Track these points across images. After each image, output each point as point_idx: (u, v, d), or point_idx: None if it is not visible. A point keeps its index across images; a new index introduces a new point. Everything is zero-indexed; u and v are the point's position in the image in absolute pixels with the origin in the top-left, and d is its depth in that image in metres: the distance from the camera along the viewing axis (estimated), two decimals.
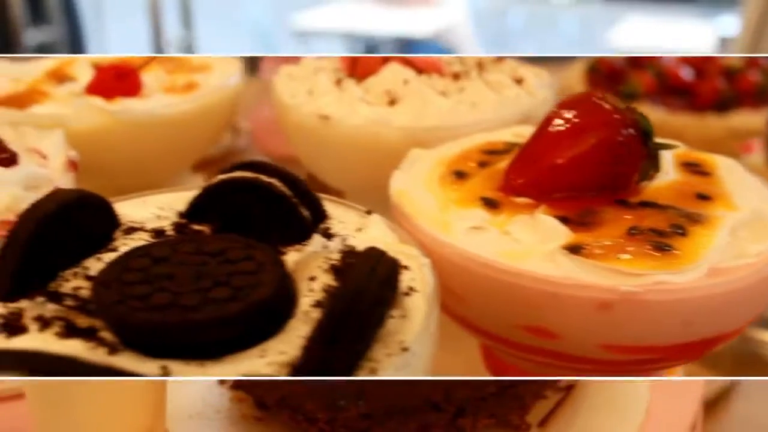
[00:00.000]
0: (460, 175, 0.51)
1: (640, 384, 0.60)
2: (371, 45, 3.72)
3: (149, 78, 0.67)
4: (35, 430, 0.52)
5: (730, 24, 2.91)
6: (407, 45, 3.67)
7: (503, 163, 0.52)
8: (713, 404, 0.74)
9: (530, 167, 0.49)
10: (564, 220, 0.46)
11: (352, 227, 0.48)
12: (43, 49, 2.89)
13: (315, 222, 0.48)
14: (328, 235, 0.47)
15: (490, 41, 4.07)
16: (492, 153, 0.54)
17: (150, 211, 0.51)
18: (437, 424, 0.51)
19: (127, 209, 0.51)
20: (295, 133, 0.64)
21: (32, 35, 2.83)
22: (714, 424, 0.73)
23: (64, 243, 0.45)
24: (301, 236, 0.47)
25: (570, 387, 0.59)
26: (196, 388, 0.61)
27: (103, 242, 0.48)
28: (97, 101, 0.64)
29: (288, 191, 0.47)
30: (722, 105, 1.03)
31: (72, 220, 0.46)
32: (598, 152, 0.48)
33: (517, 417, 0.54)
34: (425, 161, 0.54)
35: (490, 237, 0.46)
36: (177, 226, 0.49)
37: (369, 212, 0.49)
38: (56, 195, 0.46)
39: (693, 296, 0.43)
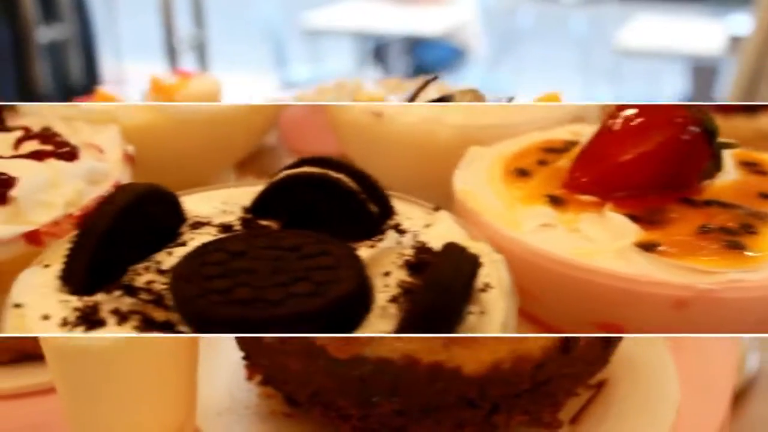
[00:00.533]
0: (522, 173, 0.51)
1: (671, 383, 0.60)
2: (381, 44, 3.73)
3: None
4: (67, 426, 0.52)
5: (741, 23, 2.91)
6: (417, 44, 3.68)
7: (564, 161, 0.52)
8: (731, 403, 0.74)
9: (595, 165, 0.49)
10: (633, 218, 0.46)
11: (421, 223, 0.48)
12: (55, 46, 2.89)
13: (382, 218, 0.48)
14: (399, 231, 0.47)
15: (499, 40, 4.07)
16: (551, 151, 0.54)
17: (214, 206, 0.51)
18: (472, 420, 0.51)
19: (191, 204, 0.51)
20: (346, 130, 0.64)
21: (44, 33, 2.81)
22: (732, 423, 0.73)
23: (135, 237, 0.45)
24: (369, 232, 0.47)
25: (601, 384, 0.59)
26: (225, 384, 0.61)
27: (171, 236, 0.48)
28: None
29: (356, 187, 0.47)
30: (751, 106, 1.03)
31: (143, 214, 0.46)
32: (663, 150, 0.48)
33: (550, 414, 0.54)
34: (484, 159, 0.54)
35: (559, 234, 0.46)
36: (244, 221, 0.49)
37: (436, 209, 0.49)
38: (128, 189, 0.46)
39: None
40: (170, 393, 0.52)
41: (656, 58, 3.40)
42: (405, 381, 0.49)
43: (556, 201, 0.48)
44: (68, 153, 0.51)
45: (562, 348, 0.50)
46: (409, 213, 0.49)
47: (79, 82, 2.97)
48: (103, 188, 0.51)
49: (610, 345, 0.55)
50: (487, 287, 0.42)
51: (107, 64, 3.27)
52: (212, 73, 1.61)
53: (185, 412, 0.53)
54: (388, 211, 0.49)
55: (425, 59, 3.68)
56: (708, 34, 3.21)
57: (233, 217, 0.50)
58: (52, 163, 0.49)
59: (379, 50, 3.79)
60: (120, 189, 0.46)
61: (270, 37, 3.78)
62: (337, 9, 3.74)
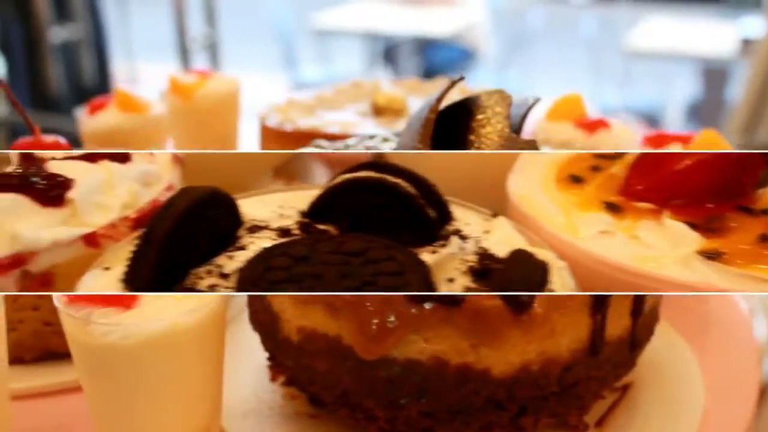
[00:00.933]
0: (576, 180, 0.52)
1: (696, 385, 0.60)
2: (391, 45, 3.73)
3: None
4: (93, 426, 0.53)
5: (753, 25, 2.90)
6: (426, 44, 3.68)
7: (616, 168, 0.52)
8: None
9: (651, 173, 0.49)
10: (692, 225, 0.46)
11: (480, 229, 0.48)
12: (67, 47, 2.92)
13: (441, 223, 0.48)
14: (461, 237, 0.47)
15: (509, 41, 4.07)
16: (603, 157, 0.54)
17: (271, 210, 0.51)
18: (499, 422, 0.51)
19: (247, 207, 0.51)
20: None
21: (57, 33, 2.85)
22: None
23: (196, 240, 0.45)
24: (428, 237, 0.47)
25: (626, 387, 0.59)
26: (249, 385, 0.62)
27: (230, 239, 0.48)
28: None
29: (414, 192, 0.47)
30: None
31: (204, 217, 0.46)
32: (720, 158, 0.48)
33: (576, 417, 0.54)
34: (537, 164, 0.54)
35: (619, 241, 0.46)
36: (301, 226, 0.49)
37: (494, 214, 0.49)
38: (189, 192, 0.46)
39: None
40: (196, 394, 0.52)
41: (667, 60, 3.39)
42: (433, 383, 0.49)
43: (613, 208, 0.48)
44: (122, 155, 0.51)
45: (590, 350, 0.51)
46: (467, 218, 0.49)
47: (91, 82, 3.00)
48: (157, 190, 0.51)
49: (636, 348, 0.56)
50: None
51: (119, 64, 3.28)
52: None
53: (211, 413, 0.53)
54: (446, 217, 0.49)
55: (435, 60, 3.68)
56: (720, 37, 3.20)
57: (291, 221, 0.50)
58: (106, 164, 0.49)
59: (388, 51, 3.79)
60: (181, 192, 0.46)
61: (280, 38, 3.78)
62: (347, 10, 3.74)
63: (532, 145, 0.56)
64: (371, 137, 0.74)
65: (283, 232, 0.49)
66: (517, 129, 0.59)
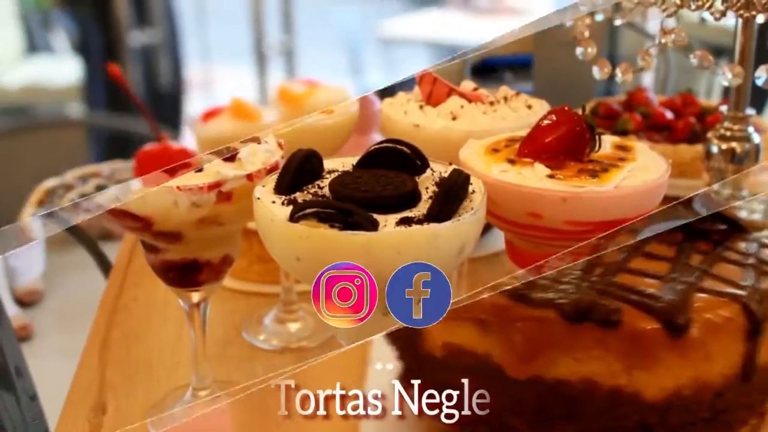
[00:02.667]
0: (495, 150, 0.98)
1: None
2: (455, 54, 3.98)
3: None
4: None
5: None
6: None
7: (516, 145, 1.00)
8: None
9: (529, 145, 0.99)
10: (547, 167, 0.70)
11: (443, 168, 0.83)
12: (146, 50, 3.27)
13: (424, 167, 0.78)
14: (432, 170, 0.72)
15: None
16: (511, 141, 0.79)
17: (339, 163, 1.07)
18: None
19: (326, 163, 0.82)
20: (396, 136, 0.88)
21: (136, 37, 3.18)
22: None
23: (305, 172, 0.69)
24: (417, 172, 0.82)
25: (763, 413, 0.64)
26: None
27: (320, 174, 0.75)
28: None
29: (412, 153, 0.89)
30: (693, 138, 1.31)
31: (308, 162, 0.70)
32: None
33: None
34: (476, 145, 0.79)
35: (511, 174, 0.69)
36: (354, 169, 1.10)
37: (450, 164, 1.02)
38: (300, 151, 0.76)
39: None
40: None
41: None
42: (583, 404, 0.55)
43: (511, 161, 0.75)
44: (257, 139, 0.84)
45: (742, 376, 0.58)
46: (435, 166, 1.02)
47: (166, 85, 3.36)
48: (276, 156, 0.83)
49: None
50: (473, 192, 0.64)
51: (194, 68, 3.63)
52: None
53: (349, 426, 0.60)
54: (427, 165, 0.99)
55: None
56: None
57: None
58: (252, 144, 0.83)
59: (453, 61, 4.06)
60: (297, 151, 0.85)
61: (348, 45, 4.11)
62: (414, 19, 4.02)
63: None
64: None
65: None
66: None
